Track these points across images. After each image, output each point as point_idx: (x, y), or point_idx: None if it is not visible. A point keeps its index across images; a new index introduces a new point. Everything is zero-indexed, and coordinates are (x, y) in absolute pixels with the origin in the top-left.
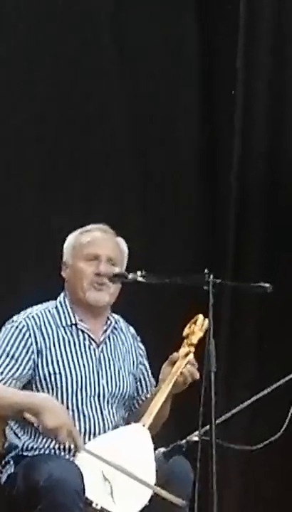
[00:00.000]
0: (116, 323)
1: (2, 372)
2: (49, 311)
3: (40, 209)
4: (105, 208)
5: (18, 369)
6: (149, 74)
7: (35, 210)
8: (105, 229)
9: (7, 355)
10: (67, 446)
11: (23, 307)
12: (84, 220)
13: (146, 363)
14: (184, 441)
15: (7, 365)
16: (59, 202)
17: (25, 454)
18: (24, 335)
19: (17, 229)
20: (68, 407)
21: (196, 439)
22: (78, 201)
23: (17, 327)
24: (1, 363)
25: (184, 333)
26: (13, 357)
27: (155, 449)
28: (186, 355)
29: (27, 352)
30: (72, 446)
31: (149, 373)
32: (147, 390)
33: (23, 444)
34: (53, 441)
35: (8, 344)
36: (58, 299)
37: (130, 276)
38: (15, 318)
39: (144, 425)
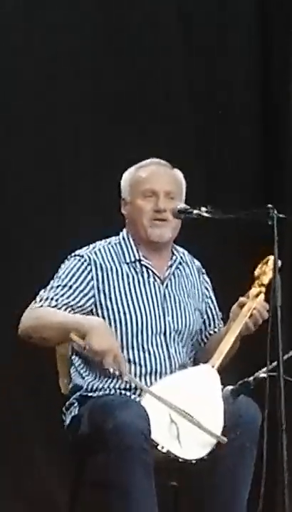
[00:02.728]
0: (181, 257)
1: (57, 300)
2: (112, 247)
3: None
4: (165, 144)
5: (74, 298)
6: (208, 47)
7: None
8: (160, 162)
9: (64, 286)
10: (133, 386)
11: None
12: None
13: (212, 296)
14: (251, 378)
15: (63, 294)
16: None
17: (89, 394)
18: (86, 268)
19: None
20: (132, 347)
21: (263, 375)
22: (136, 142)
23: (79, 260)
24: (58, 291)
25: (256, 274)
26: (71, 287)
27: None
28: (257, 295)
29: (87, 285)
30: (117, 373)
31: (216, 307)
32: (214, 323)
33: (88, 385)
34: (119, 382)
35: (68, 275)
36: (121, 234)
37: (195, 211)
38: (77, 251)
39: (213, 366)
